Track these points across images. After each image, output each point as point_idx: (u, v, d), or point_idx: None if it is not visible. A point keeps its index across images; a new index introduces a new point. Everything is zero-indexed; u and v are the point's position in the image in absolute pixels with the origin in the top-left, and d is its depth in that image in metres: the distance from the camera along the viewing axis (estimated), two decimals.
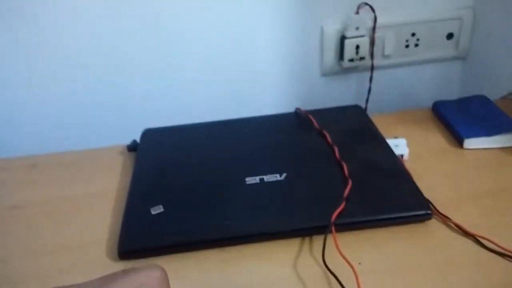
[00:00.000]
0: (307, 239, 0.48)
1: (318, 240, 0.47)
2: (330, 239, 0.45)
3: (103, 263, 0.47)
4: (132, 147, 0.63)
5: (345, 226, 0.47)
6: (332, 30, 0.74)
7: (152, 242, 0.47)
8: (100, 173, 0.60)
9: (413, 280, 0.43)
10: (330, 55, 0.76)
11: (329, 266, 0.43)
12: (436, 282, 0.43)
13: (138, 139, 0.64)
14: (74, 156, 0.64)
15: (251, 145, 0.60)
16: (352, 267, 0.42)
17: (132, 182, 0.55)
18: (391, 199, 0.50)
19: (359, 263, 0.44)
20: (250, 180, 0.53)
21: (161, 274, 0.30)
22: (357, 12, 0.72)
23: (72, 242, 0.49)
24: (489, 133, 0.60)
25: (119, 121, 0.76)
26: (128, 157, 0.63)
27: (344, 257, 0.43)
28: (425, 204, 0.49)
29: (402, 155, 0.59)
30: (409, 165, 0.55)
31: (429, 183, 0.53)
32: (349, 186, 0.51)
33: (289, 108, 0.68)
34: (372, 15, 0.72)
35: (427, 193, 0.50)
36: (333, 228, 0.46)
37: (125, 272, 0.29)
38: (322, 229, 0.46)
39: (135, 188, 0.54)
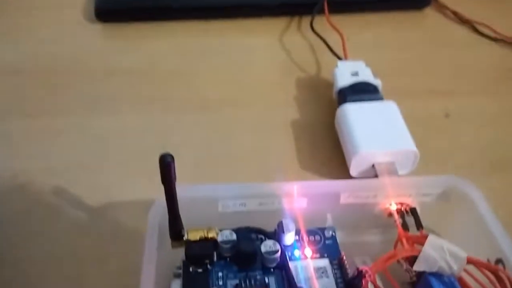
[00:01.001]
0: (296, 17, 0.45)
1: (307, 19, 0.44)
2: (320, 19, 0.43)
3: (80, 24, 0.44)
4: None
5: (337, 5, 0.44)
6: None
7: (132, 2, 0.44)
8: None
9: (401, 55, 0.41)
10: None
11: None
12: (426, 58, 0.41)
13: None
14: None
15: None
16: (340, 34, 0.40)
17: None
18: None
19: (347, 38, 0.42)
20: None
21: None
22: None
23: (44, 3, 0.46)
24: None
25: None
26: None
27: (332, 25, 0.41)
28: None
29: None
30: None
31: None
32: None
33: None
34: None
35: None
36: (325, 2, 0.43)
37: None
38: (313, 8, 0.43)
39: None
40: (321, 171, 0.32)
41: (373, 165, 0.29)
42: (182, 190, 0.21)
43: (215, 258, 0.23)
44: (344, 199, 0.25)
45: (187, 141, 0.34)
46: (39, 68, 0.39)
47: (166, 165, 0.19)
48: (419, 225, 0.25)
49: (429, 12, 0.46)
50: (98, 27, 0.44)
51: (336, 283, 0.22)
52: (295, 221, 0.24)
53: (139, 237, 0.23)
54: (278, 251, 0.22)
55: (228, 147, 0.34)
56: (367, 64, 0.36)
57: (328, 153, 0.33)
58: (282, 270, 0.22)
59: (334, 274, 0.23)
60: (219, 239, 0.23)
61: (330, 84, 0.36)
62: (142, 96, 0.37)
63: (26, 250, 0.27)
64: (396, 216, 0.25)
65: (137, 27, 0.44)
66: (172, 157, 0.19)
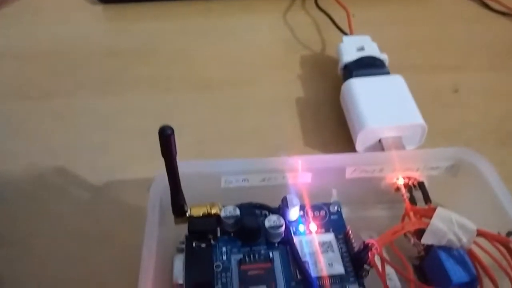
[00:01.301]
0: None
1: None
2: None
3: (81, 6, 0.44)
4: None
5: None
6: None
7: None
8: None
9: (408, 30, 0.41)
10: None
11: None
12: (434, 34, 0.40)
13: None
14: None
15: None
16: (345, 9, 0.39)
17: None
18: None
19: (353, 15, 0.41)
20: None
21: None
22: None
23: None
24: None
25: None
26: None
27: (337, 1, 0.40)
28: None
29: None
30: None
31: None
32: None
33: None
34: None
35: None
36: None
37: None
38: None
39: None
40: (326, 148, 0.31)
41: (379, 140, 0.29)
42: (184, 166, 0.21)
43: (218, 234, 0.22)
44: (349, 174, 0.25)
45: (191, 120, 0.33)
46: (41, 50, 0.39)
47: (166, 137, 0.19)
48: (427, 199, 0.24)
49: None
50: (99, 8, 0.43)
51: (342, 257, 0.22)
52: (300, 196, 0.23)
53: (142, 215, 0.23)
54: (282, 225, 0.22)
55: (232, 125, 0.33)
56: (373, 40, 0.35)
57: (333, 130, 0.32)
58: (287, 245, 0.22)
59: (340, 248, 0.22)
60: (222, 214, 0.22)
61: (335, 61, 0.36)
62: (145, 76, 0.37)
63: (31, 230, 0.27)
64: (403, 190, 0.25)
65: (138, 8, 0.43)
66: (172, 130, 0.19)
